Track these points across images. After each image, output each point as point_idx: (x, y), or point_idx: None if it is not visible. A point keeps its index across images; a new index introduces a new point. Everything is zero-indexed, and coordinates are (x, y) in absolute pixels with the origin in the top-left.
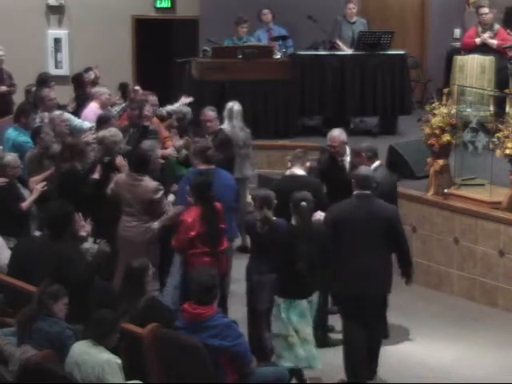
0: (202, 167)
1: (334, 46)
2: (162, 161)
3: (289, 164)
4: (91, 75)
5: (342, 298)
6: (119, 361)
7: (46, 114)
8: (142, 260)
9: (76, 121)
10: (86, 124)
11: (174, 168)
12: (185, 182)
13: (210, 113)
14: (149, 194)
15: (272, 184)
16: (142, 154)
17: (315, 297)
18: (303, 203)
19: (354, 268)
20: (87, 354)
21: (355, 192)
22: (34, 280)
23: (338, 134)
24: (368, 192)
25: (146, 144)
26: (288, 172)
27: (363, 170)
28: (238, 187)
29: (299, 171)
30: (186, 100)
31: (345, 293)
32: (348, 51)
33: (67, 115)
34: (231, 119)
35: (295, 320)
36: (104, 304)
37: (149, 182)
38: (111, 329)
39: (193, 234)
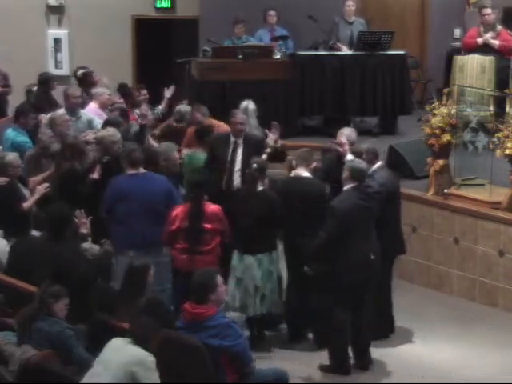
0: (131, 172)
1: (333, 47)
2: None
3: (293, 162)
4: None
5: (349, 286)
6: (153, 358)
7: (44, 114)
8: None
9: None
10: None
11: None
12: (108, 187)
13: (241, 116)
14: None
15: (276, 185)
16: (153, 154)
17: (265, 256)
18: (254, 165)
19: (361, 255)
20: (122, 349)
21: (352, 185)
22: (33, 280)
23: (348, 132)
24: (362, 184)
25: (164, 145)
26: (293, 173)
27: (358, 163)
28: (173, 192)
29: (304, 172)
30: (168, 93)
31: (353, 281)
32: (347, 52)
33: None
34: (247, 118)
35: (240, 270)
36: (104, 305)
37: None
38: (150, 335)
39: (173, 227)
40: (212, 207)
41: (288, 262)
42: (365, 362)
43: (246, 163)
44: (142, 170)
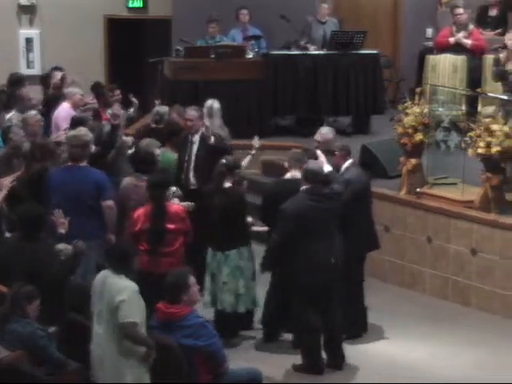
0: (68, 164)
1: (305, 47)
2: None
3: (285, 164)
4: (57, 75)
5: (309, 287)
6: (137, 288)
7: (18, 114)
8: None
9: None
10: None
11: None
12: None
13: (191, 112)
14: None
15: (270, 187)
16: (147, 153)
17: (232, 252)
18: (222, 161)
19: (320, 258)
20: (106, 282)
21: (305, 186)
22: (7, 281)
23: (324, 131)
24: (317, 185)
25: (145, 141)
26: (288, 175)
27: (313, 164)
28: (105, 185)
29: (300, 174)
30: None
31: (312, 282)
32: (320, 51)
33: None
34: (211, 117)
35: (214, 266)
36: (79, 304)
37: None
38: (127, 257)
39: (135, 229)
40: (174, 207)
41: None
42: (338, 361)
43: (199, 160)
44: (81, 164)
